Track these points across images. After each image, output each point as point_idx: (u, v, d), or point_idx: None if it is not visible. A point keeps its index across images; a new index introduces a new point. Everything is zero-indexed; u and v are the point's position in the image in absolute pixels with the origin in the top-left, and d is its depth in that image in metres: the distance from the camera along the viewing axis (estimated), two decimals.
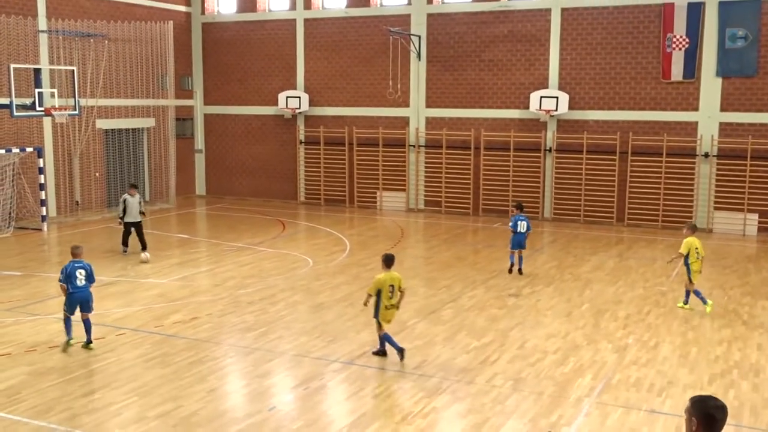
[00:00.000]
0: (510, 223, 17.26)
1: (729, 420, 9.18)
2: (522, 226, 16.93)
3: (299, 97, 28.77)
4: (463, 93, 26.87)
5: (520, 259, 17.19)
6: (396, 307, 11.41)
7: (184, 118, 30.55)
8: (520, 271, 17.07)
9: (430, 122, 27.46)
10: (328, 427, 9.08)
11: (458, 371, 10.84)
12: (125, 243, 19.14)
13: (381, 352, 11.49)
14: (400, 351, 11.24)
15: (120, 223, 19.11)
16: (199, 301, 14.67)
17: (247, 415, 9.36)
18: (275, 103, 29.40)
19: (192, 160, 31.31)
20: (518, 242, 17.02)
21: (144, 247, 18.61)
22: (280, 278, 16.57)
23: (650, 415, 9.21)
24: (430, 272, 17.50)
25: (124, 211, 18.80)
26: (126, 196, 19.00)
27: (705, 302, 13.98)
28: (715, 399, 4.51)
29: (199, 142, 31.33)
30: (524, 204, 20.22)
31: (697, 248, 14.03)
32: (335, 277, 16.72)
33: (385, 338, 11.40)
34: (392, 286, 11.28)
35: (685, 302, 14.35)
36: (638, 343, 12.20)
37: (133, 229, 18.91)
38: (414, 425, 9.07)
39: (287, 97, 28.90)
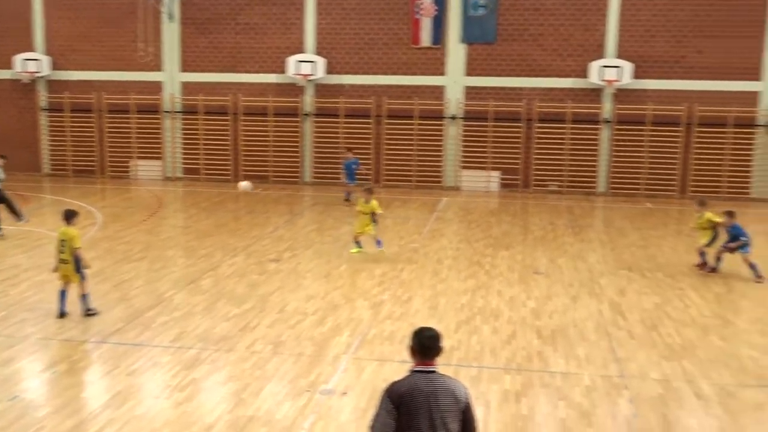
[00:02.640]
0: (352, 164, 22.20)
1: (472, 362, 9.95)
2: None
3: (39, 60, 26.51)
4: (220, 57, 26.28)
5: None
6: (66, 263, 11.49)
7: None
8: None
9: (187, 87, 26.58)
10: (79, 411, 8.56)
11: (218, 340, 10.70)
12: None
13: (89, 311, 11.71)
14: (61, 314, 11.50)
15: None
16: None
17: None
18: (10, 66, 26.84)
19: None
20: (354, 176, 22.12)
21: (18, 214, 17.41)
22: (22, 257, 15.28)
23: (402, 365, 9.66)
24: (189, 241, 17.06)
25: None
26: None
27: (359, 247, 15.64)
28: (429, 330, 5.22)
29: None
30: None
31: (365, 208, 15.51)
32: (86, 252, 15.65)
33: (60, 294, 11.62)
34: (63, 241, 11.51)
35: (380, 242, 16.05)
36: (393, 299, 12.78)
37: None
38: (172, 399, 8.82)
39: (24, 59, 26.49)
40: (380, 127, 25.69)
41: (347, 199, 21.90)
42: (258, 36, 26.07)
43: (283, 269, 14.63)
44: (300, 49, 25.77)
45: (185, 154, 26.84)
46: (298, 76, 25.44)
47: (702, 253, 14.84)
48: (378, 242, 15.44)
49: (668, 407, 8.72)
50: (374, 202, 15.37)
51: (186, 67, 26.50)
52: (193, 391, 9.07)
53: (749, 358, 10.28)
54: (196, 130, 26.56)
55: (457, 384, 5.20)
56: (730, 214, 14.65)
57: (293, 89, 25.95)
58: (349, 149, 23.60)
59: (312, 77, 25.45)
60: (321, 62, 25.42)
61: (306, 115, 26.00)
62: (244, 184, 17.91)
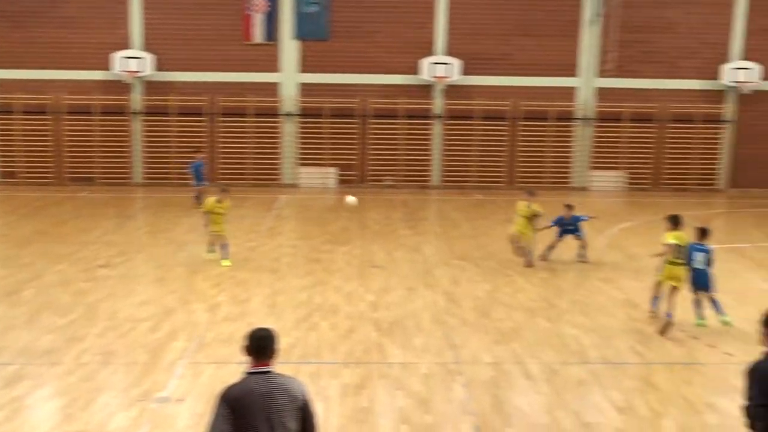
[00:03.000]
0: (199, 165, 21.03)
1: (311, 359, 9.93)
2: None
3: None
4: (39, 52, 24.67)
5: None
6: None
7: None
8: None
9: (1, 85, 24.74)
10: None
11: (41, 354, 10.04)
12: None
13: None
14: None
15: None
16: None
17: None
18: None
19: None
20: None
21: None
22: None
23: (242, 367, 9.49)
24: (7, 250, 15.89)
25: None
26: None
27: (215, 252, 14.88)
28: (262, 329, 5.27)
29: None
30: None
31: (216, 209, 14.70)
32: None
33: None
34: None
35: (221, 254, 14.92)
36: (230, 300, 12.53)
37: None
38: None
39: None
40: (214, 124, 25.11)
41: (197, 197, 20.78)
42: (80, 30, 24.69)
43: (114, 275, 13.97)
44: (126, 45, 24.68)
45: (0, 156, 25.01)
46: (124, 73, 24.36)
47: (527, 251, 15.20)
48: (224, 246, 14.69)
49: (500, 388, 9.12)
50: (227, 202, 14.92)
51: None
52: (14, 410, 8.47)
53: (571, 337, 10.95)
54: (13, 130, 24.81)
55: (293, 382, 5.18)
56: (569, 207, 15.63)
57: (120, 87, 24.81)
58: (198, 150, 22.81)
59: (140, 74, 24.45)
60: (149, 58, 24.47)
61: (135, 113, 24.96)
62: (350, 199, 15.66)
